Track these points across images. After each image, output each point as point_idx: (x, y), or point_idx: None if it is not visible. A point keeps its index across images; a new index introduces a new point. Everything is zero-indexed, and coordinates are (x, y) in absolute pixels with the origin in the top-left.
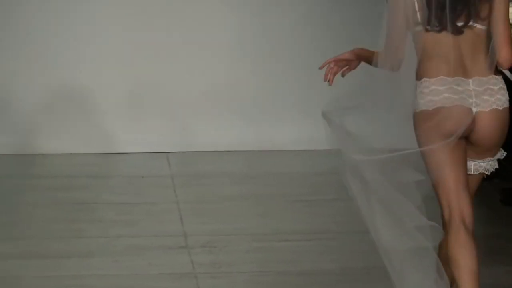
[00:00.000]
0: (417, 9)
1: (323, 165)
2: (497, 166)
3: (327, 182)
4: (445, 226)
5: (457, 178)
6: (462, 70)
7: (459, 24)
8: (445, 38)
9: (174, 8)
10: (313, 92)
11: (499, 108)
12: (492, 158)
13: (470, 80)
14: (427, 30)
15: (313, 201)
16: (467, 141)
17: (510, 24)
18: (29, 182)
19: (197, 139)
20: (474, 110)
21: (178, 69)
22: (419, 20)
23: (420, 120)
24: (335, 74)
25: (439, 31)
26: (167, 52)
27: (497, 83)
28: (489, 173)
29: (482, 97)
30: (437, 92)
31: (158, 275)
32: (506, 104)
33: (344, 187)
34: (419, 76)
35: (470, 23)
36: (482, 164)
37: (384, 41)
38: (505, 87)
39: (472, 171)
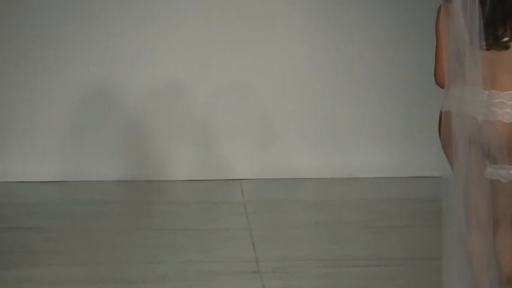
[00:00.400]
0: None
1: (392, 192)
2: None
3: (396, 209)
4: None
5: None
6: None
7: (505, 40)
8: (472, 57)
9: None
10: (385, 121)
11: (504, 121)
12: (507, 166)
13: (486, 92)
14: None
15: (382, 228)
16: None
17: None
18: (106, 208)
19: (269, 166)
20: (479, 118)
21: (247, 99)
22: (450, 39)
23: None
24: None
25: (467, 49)
26: (237, 84)
27: (508, 96)
28: (505, 181)
29: (491, 108)
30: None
31: None
32: None
33: (413, 213)
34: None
35: (502, 42)
36: (499, 171)
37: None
38: None
39: (488, 175)
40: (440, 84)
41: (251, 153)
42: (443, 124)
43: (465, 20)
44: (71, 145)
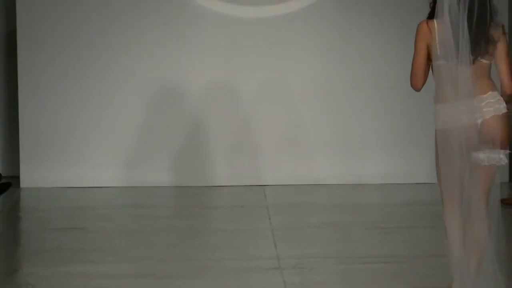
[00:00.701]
0: (438, 48)
1: (397, 197)
2: (507, 161)
3: (400, 211)
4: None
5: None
6: (468, 92)
7: (472, 58)
8: (461, 69)
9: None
10: (392, 134)
11: (498, 114)
12: (500, 151)
13: (474, 99)
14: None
15: (388, 228)
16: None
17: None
18: (148, 211)
19: (289, 174)
20: (479, 121)
21: (269, 113)
22: (439, 54)
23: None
24: None
25: (456, 64)
26: (263, 97)
27: (495, 96)
28: (498, 164)
29: (483, 109)
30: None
31: None
32: (504, 110)
33: (415, 216)
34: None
35: (479, 58)
36: (493, 156)
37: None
38: (501, 98)
39: (486, 161)
40: (414, 87)
41: (273, 162)
42: (441, 140)
43: (454, 38)
44: (121, 153)
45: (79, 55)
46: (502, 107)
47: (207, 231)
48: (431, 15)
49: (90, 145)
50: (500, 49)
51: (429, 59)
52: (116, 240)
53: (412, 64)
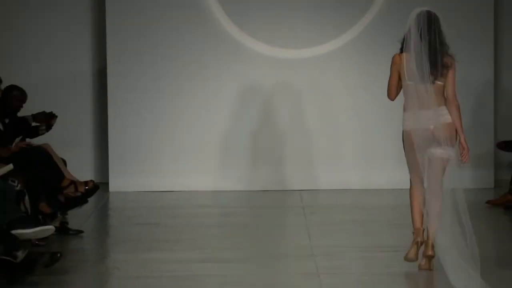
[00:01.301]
0: (405, 71)
1: (407, 200)
2: (453, 155)
3: (409, 211)
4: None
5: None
6: (428, 105)
7: (432, 79)
8: (423, 88)
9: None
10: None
11: (446, 121)
12: (449, 148)
13: (431, 110)
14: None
15: (400, 225)
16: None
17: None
18: (205, 210)
19: (321, 180)
20: (432, 126)
21: (306, 132)
22: (407, 77)
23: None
24: None
25: (420, 84)
26: (298, 116)
27: (444, 109)
28: (447, 157)
29: (437, 118)
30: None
31: (293, 275)
32: (450, 120)
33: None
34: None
35: (436, 80)
36: (443, 151)
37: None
38: (448, 112)
39: (439, 155)
40: (389, 98)
41: (308, 171)
42: (406, 138)
43: (418, 67)
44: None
45: (160, 81)
46: (448, 117)
47: (255, 226)
48: (401, 50)
49: (166, 157)
50: (451, 73)
51: (400, 80)
52: (184, 233)
53: (388, 83)
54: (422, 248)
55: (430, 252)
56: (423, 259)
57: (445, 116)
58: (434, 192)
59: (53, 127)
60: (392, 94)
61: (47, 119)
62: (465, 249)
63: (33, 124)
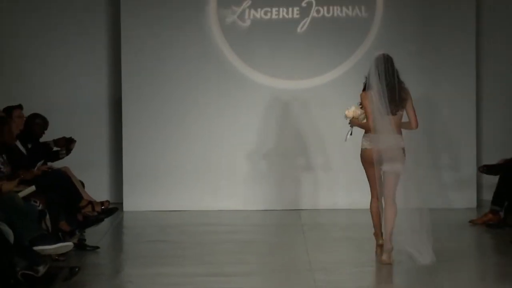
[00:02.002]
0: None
1: (396, 220)
2: (401, 170)
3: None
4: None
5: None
6: (390, 130)
7: (395, 111)
8: (387, 117)
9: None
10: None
11: (400, 146)
12: (399, 165)
13: (391, 135)
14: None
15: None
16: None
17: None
18: (212, 228)
19: (319, 200)
20: (385, 147)
21: (303, 158)
22: (374, 111)
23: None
24: None
25: (384, 115)
26: (308, 140)
27: (400, 137)
28: (394, 171)
29: (392, 141)
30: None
31: None
32: (403, 146)
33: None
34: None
35: (397, 111)
36: (394, 167)
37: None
38: (402, 139)
39: (391, 170)
40: (371, 125)
41: (307, 192)
42: (366, 156)
43: (380, 101)
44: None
45: (169, 109)
46: (402, 143)
47: (258, 242)
48: (365, 88)
49: (176, 179)
50: (409, 103)
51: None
52: (192, 249)
53: (367, 115)
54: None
55: (388, 246)
56: (383, 253)
57: (400, 142)
58: (388, 202)
59: (72, 152)
60: (371, 122)
61: (67, 144)
62: (418, 228)
63: (54, 148)
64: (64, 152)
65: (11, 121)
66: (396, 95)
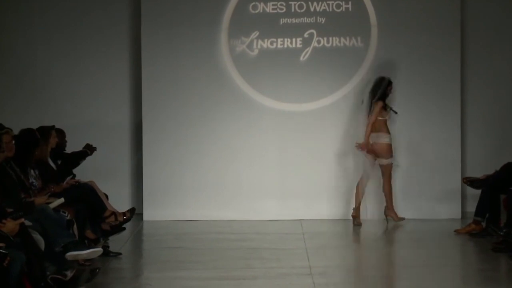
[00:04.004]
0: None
1: (392, 228)
2: (391, 162)
3: (394, 238)
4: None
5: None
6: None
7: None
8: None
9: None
10: (402, 180)
11: (386, 142)
12: (386, 160)
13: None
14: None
15: (385, 249)
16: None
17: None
18: (222, 236)
19: (319, 211)
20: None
21: (304, 172)
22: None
23: None
24: None
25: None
26: (308, 155)
27: (386, 134)
28: (384, 164)
29: (379, 138)
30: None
31: None
32: (387, 141)
33: (404, 241)
34: None
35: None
36: (385, 160)
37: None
38: (387, 135)
39: (382, 163)
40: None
41: (308, 203)
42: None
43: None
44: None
45: (189, 129)
46: (387, 139)
47: (261, 249)
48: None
49: (191, 192)
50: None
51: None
52: (205, 255)
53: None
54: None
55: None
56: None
57: (384, 137)
58: (385, 184)
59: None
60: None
61: (89, 146)
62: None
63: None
64: (88, 152)
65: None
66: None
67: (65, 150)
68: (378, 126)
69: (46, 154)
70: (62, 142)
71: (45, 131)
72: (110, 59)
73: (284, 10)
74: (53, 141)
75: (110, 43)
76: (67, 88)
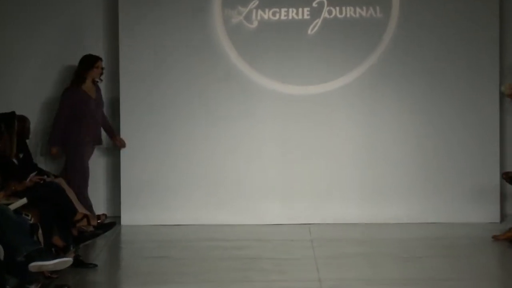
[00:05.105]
0: None
1: (413, 234)
2: None
3: (416, 245)
4: None
5: None
6: None
7: None
8: None
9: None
10: (415, 182)
11: None
12: None
13: None
14: None
15: (406, 258)
16: None
17: None
18: (214, 243)
19: (330, 214)
20: None
21: (314, 167)
22: None
23: None
24: None
25: None
26: (310, 151)
27: None
28: None
29: None
30: None
31: None
32: None
33: (427, 248)
34: None
35: None
36: None
37: None
38: None
39: None
40: None
41: (317, 205)
42: None
43: None
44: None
45: (170, 117)
46: None
47: (262, 259)
48: None
49: (177, 191)
50: None
51: None
52: (194, 266)
53: None
54: None
55: None
56: None
57: None
58: None
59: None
60: None
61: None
62: None
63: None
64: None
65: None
66: None
67: (28, 139)
68: None
69: (10, 147)
70: (23, 131)
71: (8, 120)
72: (83, 31)
73: None
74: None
75: (82, 12)
76: (33, 65)
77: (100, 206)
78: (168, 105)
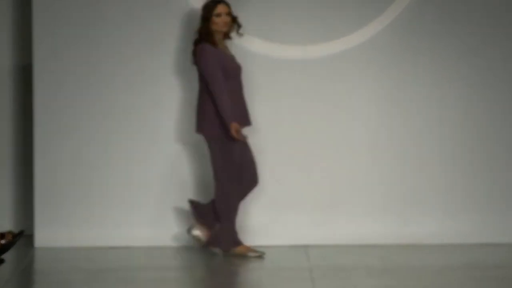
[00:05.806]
0: None
1: (453, 259)
2: None
3: (458, 276)
4: None
5: None
6: None
7: None
8: None
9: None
10: (455, 188)
11: None
12: None
13: None
14: None
15: None
16: None
17: None
18: (167, 274)
19: (335, 233)
20: None
21: (312, 167)
22: None
23: None
24: None
25: None
26: (298, 160)
27: None
28: None
29: None
30: None
31: None
32: None
33: (477, 282)
34: None
35: None
36: None
37: None
38: None
39: None
40: None
41: (317, 219)
42: None
43: None
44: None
45: (99, 93)
46: None
47: None
48: None
49: (111, 202)
50: None
51: None
52: None
53: None
54: None
55: None
56: None
57: None
58: None
59: None
60: None
61: None
62: None
63: None
64: None
65: None
66: None
67: None
68: None
69: None
70: None
71: None
72: None
73: None
74: None
75: None
76: None
77: (3, 221)
78: (100, 84)
